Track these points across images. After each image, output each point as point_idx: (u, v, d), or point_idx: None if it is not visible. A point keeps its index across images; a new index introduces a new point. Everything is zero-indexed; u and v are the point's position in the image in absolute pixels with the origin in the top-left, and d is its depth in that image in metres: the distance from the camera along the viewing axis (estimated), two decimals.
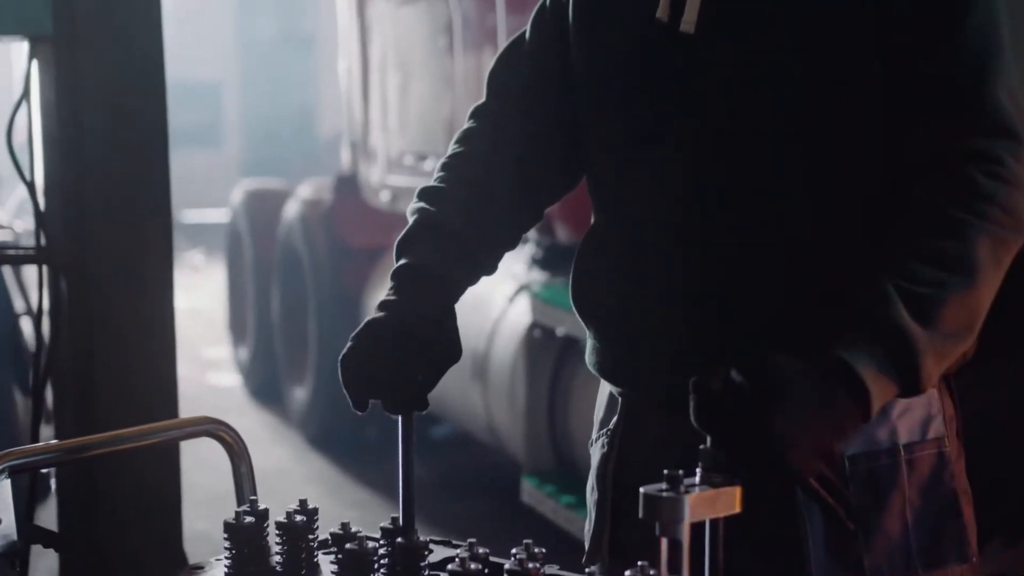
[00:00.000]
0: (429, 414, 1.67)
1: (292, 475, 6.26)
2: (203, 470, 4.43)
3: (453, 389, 5.15)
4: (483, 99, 1.82)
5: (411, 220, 1.73)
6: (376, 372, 1.61)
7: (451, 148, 1.79)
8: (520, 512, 4.64)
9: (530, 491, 4.52)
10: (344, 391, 1.63)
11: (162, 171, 2.87)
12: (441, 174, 1.76)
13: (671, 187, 1.62)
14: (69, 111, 2.83)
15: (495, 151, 1.76)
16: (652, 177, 1.63)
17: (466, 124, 1.81)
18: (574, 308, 1.76)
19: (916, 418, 1.61)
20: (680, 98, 1.60)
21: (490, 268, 1.77)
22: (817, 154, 1.57)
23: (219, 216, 10.75)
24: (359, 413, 1.64)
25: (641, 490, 1.31)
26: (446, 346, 1.64)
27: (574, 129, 1.74)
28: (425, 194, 1.74)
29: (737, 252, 1.59)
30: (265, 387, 7.83)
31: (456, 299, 1.69)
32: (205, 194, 13.97)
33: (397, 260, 1.70)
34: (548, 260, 4.79)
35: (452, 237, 1.70)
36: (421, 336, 1.62)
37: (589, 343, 1.75)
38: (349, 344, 1.63)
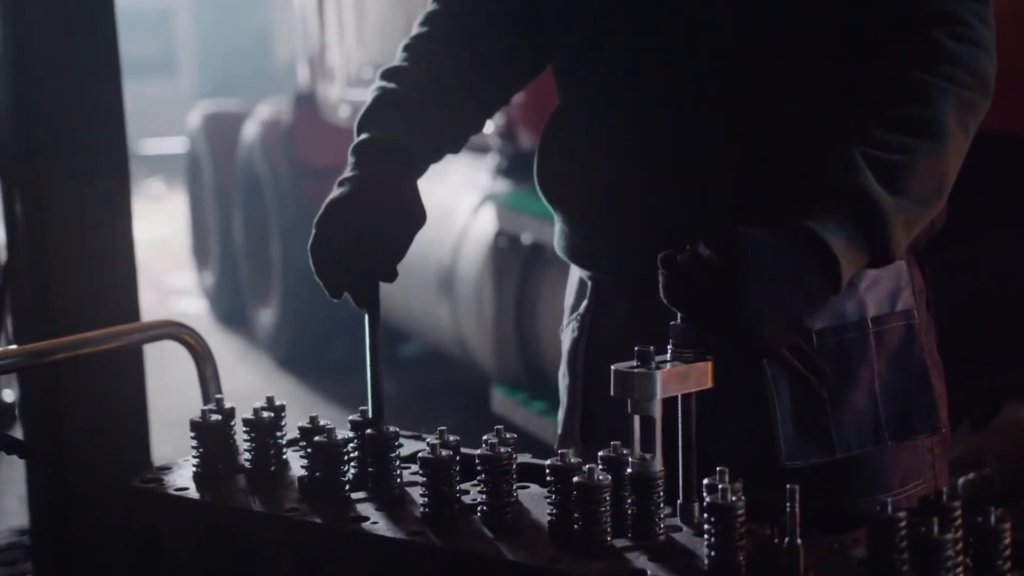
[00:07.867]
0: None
1: (262, 397, 6.22)
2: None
3: (420, 305, 5.12)
4: None
5: (371, 98, 1.69)
6: (339, 248, 1.55)
7: (414, 30, 1.75)
8: (491, 422, 4.63)
9: (500, 400, 4.52)
10: (317, 280, 1.58)
11: (113, 81, 2.83)
12: (403, 54, 1.73)
13: (635, 62, 1.58)
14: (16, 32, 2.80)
15: (457, 30, 1.72)
16: (616, 52, 1.60)
17: (429, 7, 1.77)
18: (539, 191, 1.73)
19: (884, 291, 1.60)
20: None
21: (453, 146, 1.72)
22: (786, 24, 1.53)
23: (177, 146, 10.61)
24: (334, 300, 1.58)
25: (613, 367, 1.30)
26: (408, 210, 1.58)
27: (539, 6, 1.70)
28: (386, 73, 1.71)
29: (698, 127, 1.56)
30: (231, 311, 7.80)
31: (419, 173, 1.65)
32: (162, 124, 13.78)
33: (357, 136, 1.66)
34: (512, 169, 4.75)
35: (412, 112, 1.65)
36: (384, 202, 1.56)
37: (557, 228, 1.72)
38: (313, 233, 1.57)
